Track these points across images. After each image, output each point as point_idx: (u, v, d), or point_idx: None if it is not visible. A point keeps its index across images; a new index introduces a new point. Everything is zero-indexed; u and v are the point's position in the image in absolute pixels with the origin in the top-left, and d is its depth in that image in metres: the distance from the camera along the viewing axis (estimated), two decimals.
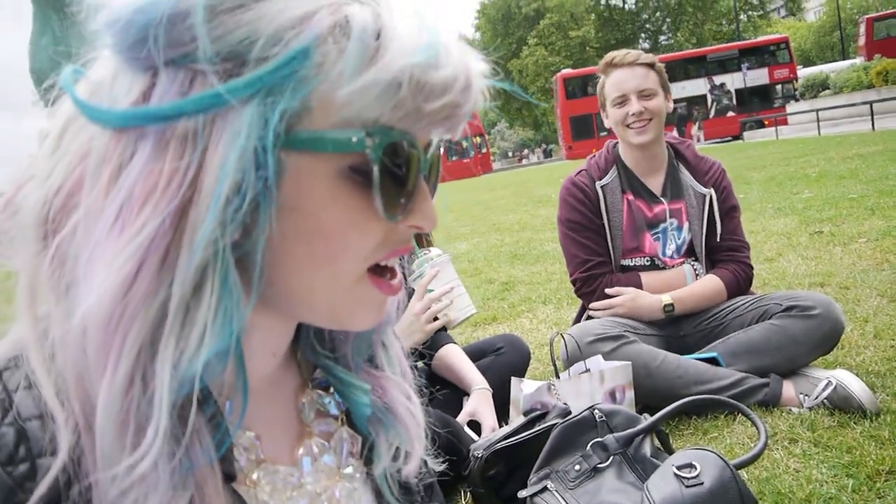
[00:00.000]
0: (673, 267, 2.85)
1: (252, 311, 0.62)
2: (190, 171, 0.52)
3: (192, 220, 0.52)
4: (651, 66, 2.83)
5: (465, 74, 0.58)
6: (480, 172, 37.78)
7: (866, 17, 32.31)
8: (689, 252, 2.88)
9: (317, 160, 0.56)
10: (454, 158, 38.74)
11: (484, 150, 39.66)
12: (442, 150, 0.71)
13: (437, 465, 0.89)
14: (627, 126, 2.79)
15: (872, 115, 17.46)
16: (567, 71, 39.46)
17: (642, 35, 58.73)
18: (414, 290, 2.29)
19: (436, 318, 2.25)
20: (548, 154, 66.97)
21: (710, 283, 2.80)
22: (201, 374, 0.53)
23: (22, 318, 0.58)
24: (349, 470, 0.77)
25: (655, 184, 2.89)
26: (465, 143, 38.71)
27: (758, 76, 35.16)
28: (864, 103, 19.12)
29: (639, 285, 2.79)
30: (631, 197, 2.87)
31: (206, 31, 0.51)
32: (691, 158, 2.91)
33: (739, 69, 35.51)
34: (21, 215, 0.58)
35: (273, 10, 0.53)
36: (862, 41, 31.29)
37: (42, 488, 0.53)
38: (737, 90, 35.59)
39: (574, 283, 2.91)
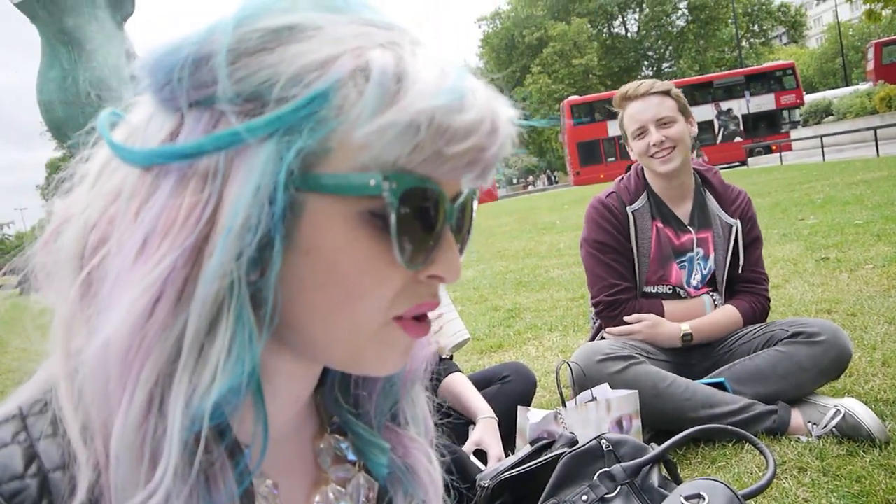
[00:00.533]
0: (694, 297, 2.84)
1: (275, 356, 0.63)
2: (209, 206, 0.53)
3: (209, 254, 0.52)
4: (666, 93, 2.81)
5: (491, 119, 0.57)
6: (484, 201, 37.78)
7: (875, 42, 32.14)
8: (712, 281, 2.87)
9: (335, 203, 0.56)
10: None
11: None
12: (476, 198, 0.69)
13: None
14: (651, 156, 2.77)
15: (877, 140, 17.48)
16: (574, 97, 39.48)
17: (645, 63, 59.15)
18: None
19: None
20: (552, 181, 67.08)
21: (727, 313, 2.79)
22: (213, 411, 0.53)
23: (55, 353, 0.58)
24: None
25: (683, 212, 2.87)
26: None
27: (764, 102, 35.17)
28: (868, 129, 19.16)
29: (661, 313, 2.78)
30: (660, 224, 2.84)
31: (227, 73, 0.53)
32: (718, 186, 2.89)
33: (744, 96, 35.59)
34: (59, 251, 0.59)
35: (296, 52, 0.54)
36: (871, 66, 31.12)
37: None
38: (744, 116, 35.59)
39: (596, 304, 2.88)
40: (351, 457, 0.78)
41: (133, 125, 0.59)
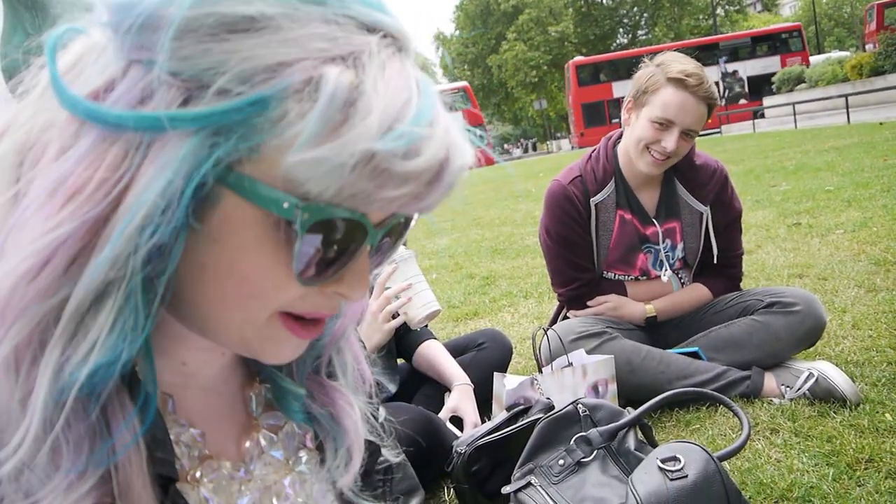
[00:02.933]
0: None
1: (180, 322, 0.62)
2: (119, 185, 0.50)
3: (106, 235, 0.50)
4: (711, 109, 2.52)
5: (438, 169, 0.53)
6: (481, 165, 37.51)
7: (876, 3, 31.18)
8: (682, 265, 2.82)
9: (251, 206, 0.54)
10: None
11: (485, 143, 39.38)
12: (414, 220, 0.66)
13: (395, 457, 0.89)
14: (648, 150, 2.52)
15: (848, 108, 17.66)
16: (579, 58, 39.05)
17: (620, 30, 58.93)
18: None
19: (395, 316, 2.14)
20: (533, 147, 66.99)
21: (696, 293, 2.77)
22: (86, 383, 0.52)
23: None
24: (301, 464, 0.77)
25: (649, 201, 2.72)
26: (478, 132, 38.50)
27: (770, 64, 34.53)
28: (840, 96, 19.34)
29: (624, 294, 2.76)
30: (627, 215, 2.69)
31: (170, 48, 0.50)
32: (689, 170, 2.68)
33: (751, 57, 35.02)
34: None
35: (250, 47, 0.50)
36: (872, 27, 30.41)
37: None
38: (749, 78, 35.21)
39: (559, 295, 2.86)
40: None
41: (87, 48, 0.56)
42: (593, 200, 2.66)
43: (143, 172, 0.50)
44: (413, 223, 0.67)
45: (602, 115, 36.38)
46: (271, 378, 0.76)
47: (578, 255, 2.72)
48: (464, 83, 41.18)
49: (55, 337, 0.51)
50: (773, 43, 35.65)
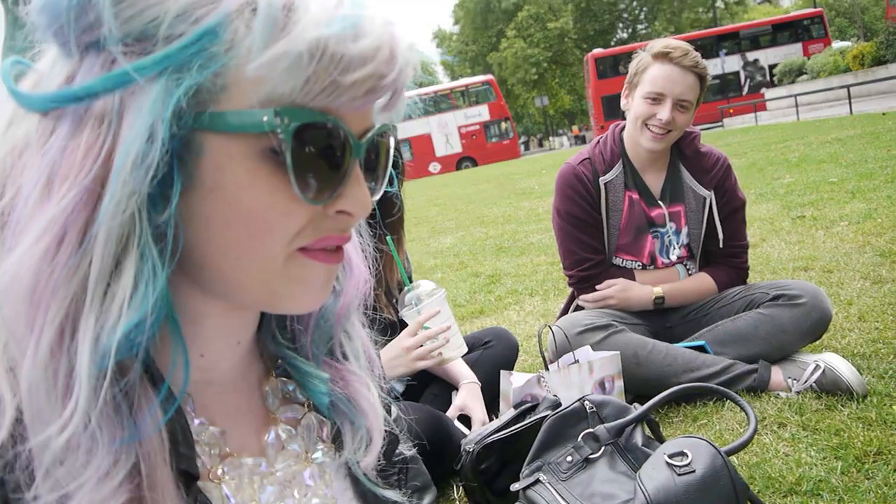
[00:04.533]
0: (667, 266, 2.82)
1: (198, 300, 0.64)
2: (105, 146, 0.53)
3: (108, 194, 0.52)
4: (702, 78, 2.61)
5: (390, 45, 0.57)
6: (508, 157, 37.18)
7: None
8: (687, 254, 2.84)
9: (235, 141, 0.56)
10: (494, 140, 38.21)
11: (511, 136, 38.93)
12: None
13: (409, 451, 0.90)
14: (646, 126, 2.62)
15: (850, 98, 17.60)
16: (598, 51, 38.58)
17: (620, 25, 58.88)
18: (404, 321, 2.24)
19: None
20: (539, 144, 66.78)
21: (702, 281, 2.79)
22: (123, 345, 0.53)
23: None
24: (318, 454, 0.78)
25: (655, 184, 2.79)
26: (504, 125, 38.30)
27: (792, 51, 33.40)
28: (842, 87, 19.27)
29: (633, 280, 2.77)
30: (634, 195, 2.75)
31: (112, 13, 0.52)
32: (694, 155, 2.77)
33: (773, 45, 34.29)
34: None
35: None
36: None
37: None
38: (770, 66, 34.16)
39: (569, 277, 2.88)
40: (300, 397, 0.79)
41: (40, 72, 0.58)
42: (602, 179, 2.73)
43: (124, 125, 0.52)
44: (392, 145, 0.69)
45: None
46: (292, 364, 0.77)
47: (589, 235, 2.77)
48: (489, 76, 40.81)
49: (86, 307, 0.53)
50: (795, 30, 34.64)
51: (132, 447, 0.55)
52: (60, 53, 0.56)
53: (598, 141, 2.85)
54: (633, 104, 2.67)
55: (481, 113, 37.89)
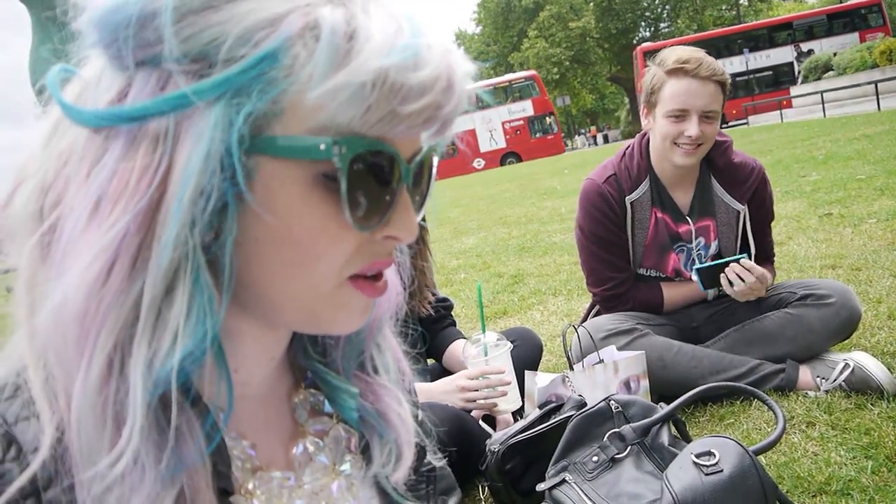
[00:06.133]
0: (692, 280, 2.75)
1: (238, 318, 0.64)
2: (160, 170, 0.52)
3: (162, 219, 0.52)
4: (723, 84, 2.49)
5: (448, 75, 0.56)
6: (552, 153, 36.98)
7: None
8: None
9: (289, 166, 0.56)
10: (537, 135, 37.98)
11: (555, 131, 39.04)
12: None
13: (438, 461, 0.90)
14: (675, 144, 2.51)
15: (878, 94, 17.33)
16: (646, 44, 37.65)
17: (642, 24, 58.43)
18: (463, 364, 2.30)
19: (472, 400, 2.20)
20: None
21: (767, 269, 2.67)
22: (176, 373, 0.53)
23: (20, 326, 0.57)
24: (346, 466, 0.78)
25: (683, 200, 2.69)
26: (548, 119, 38.09)
27: (849, 41, 31.90)
28: (869, 83, 18.98)
29: (660, 299, 2.73)
30: (659, 213, 2.68)
31: (173, 32, 0.52)
32: (725, 168, 2.65)
33: (828, 35, 33.20)
34: (15, 213, 0.59)
35: (243, 11, 0.52)
36: None
37: (21, 481, 0.53)
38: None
39: (594, 294, 2.85)
40: (328, 409, 0.79)
41: (86, 80, 0.58)
42: (629, 199, 2.65)
43: (180, 151, 0.52)
44: (436, 164, 0.69)
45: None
46: (323, 378, 0.77)
47: (614, 254, 2.70)
48: (532, 72, 40.56)
49: (139, 334, 0.52)
50: (851, 19, 33.48)
51: (179, 474, 0.56)
52: (111, 66, 0.55)
53: (624, 153, 2.74)
54: (657, 124, 2.56)
55: (525, 108, 37.62)
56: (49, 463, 0.54)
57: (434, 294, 2.62)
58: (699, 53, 2.50)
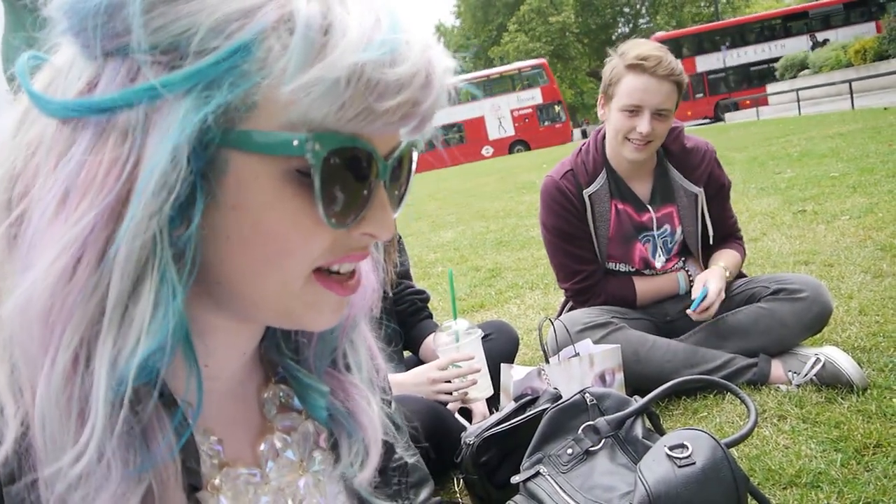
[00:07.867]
0: (664, 272, 2.81)
1: (211, 314, 0.63)
2: (129, 163, 0.51)
3: (129, 214, 0.50)
4: (679, 85, 2.54)
5: (426, 71, 0.55)
6: (560, 142, 36.45)
7: None
8: (682, 250, 2.83)
9: (261, 160, 0.54)
10: (546, 124, 37.60)
11: (563, 119, 38.41)
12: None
13: (410, 457, 0.89)
14: (627, 139, 2.56)
15: (852, 93, 17.57)
16: (661, 33, 37.55)
17: (621, 19, 58.67)
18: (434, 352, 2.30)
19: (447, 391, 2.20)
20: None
21: (734, 254, 2.75)
22: (141, 370, 0.52)
23: None
24: (315, 462, 0.77)
25: (643, 190, 2.75)
26: (556, 108, 37.84)
27: (864, 31, 30.97)
28: (843, 82, 19.23)
29: (633, 292, 2.75)
30: (619, 204, 2.72)
31: (141, 22, 0.50)
32: (680, 152, 2.72)
33: (844, 24, 32.75)
34: None
35: (216, 1, 0.51)
36: None
37: None
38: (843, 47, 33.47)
39: (566, 290, 2.87)
40: (297, 405, 0.78)
41: (57, 68, 0.56)
42: (586, 192, 2.70)
43: (149, 143, 0.51)
44: (415, 159, 0.68)
45: (685, 91, 34.45)
46: (294, 375, 0.76)
47: (578, 247, 2.74)
48: (542, 60, 40.18)
49: (104, 331, 0.51)
50: (868, 8, 32.98)
51: (147, 472, 0.55)
52: (81, 55, 0.53)
53: (581, 150, 2.79)
54: (611, 116, 2.61)
55: (534, 96, 37.36)
56: (12, 458, 0.53)
57: (410, 286, 2.62)
58: (660, 51, 2.53)
